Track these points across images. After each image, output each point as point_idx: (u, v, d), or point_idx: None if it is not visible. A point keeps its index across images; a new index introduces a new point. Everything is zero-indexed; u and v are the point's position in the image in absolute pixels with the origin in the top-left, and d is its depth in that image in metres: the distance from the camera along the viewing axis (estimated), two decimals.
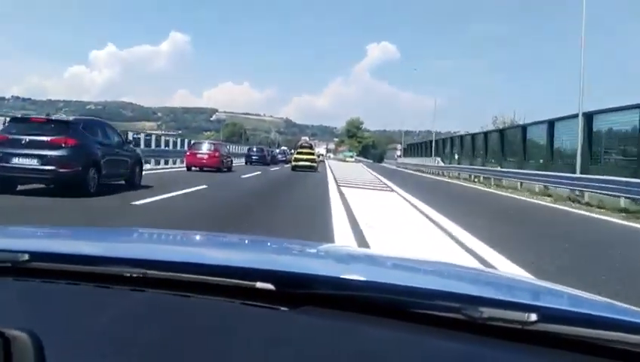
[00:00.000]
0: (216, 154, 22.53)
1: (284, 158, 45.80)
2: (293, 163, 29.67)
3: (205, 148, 22.92)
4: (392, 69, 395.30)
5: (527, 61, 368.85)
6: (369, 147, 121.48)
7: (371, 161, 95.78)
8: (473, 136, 34.07)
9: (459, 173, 30.01)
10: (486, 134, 31.00)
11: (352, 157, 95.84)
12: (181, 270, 0.85)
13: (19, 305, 0.83)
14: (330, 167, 37.55)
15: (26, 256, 0.88)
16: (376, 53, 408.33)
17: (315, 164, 29.34)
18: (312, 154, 30.74)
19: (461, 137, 37.46)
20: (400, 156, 66.96)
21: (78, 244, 1.29)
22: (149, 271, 0.84)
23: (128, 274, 0.84)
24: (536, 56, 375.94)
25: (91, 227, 1.79)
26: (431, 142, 48.29)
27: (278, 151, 53.43)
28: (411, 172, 41.74)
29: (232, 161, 25.39)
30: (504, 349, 0.70)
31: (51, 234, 1.49)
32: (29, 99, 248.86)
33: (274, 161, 40.76)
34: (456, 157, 35.35)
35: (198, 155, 22.31)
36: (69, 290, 0.85)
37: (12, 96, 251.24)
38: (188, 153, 23.29)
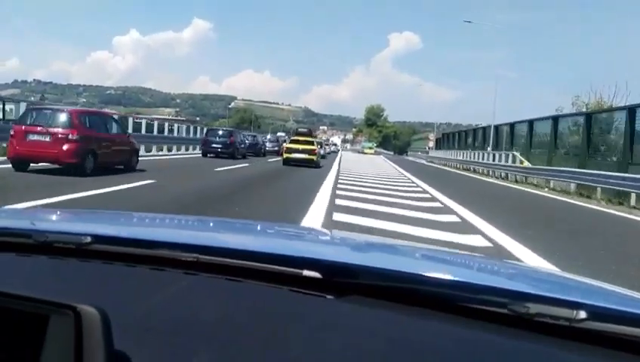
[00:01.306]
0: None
1: (276, 148, 34.06)
2: (285, 154, 21.76)
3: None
4: (414, 60, 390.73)
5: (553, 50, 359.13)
6: (390, 138, 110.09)
7: (392, 153, 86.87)
8: (556, 121, 22.23)
9: (548, 181, 18.66)
10: (589, 117, 19.20)
11: (371, 148, 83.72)
12: (232, 256, 0.87)
13: (82, 284, 0.87)
14: (340, 161, 30.88)
15: (89, 239, 0.92)
16: (399, 43, 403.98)
17: (314, 157, 21.33)
18: (311, 143, 22.09)
19: (531, 123, 24.81)
20: (431, 148, 54.86)
21: (136, 229, 1.37)
22: (201, 256, 0.87)
23: (182, 258, 0.88)
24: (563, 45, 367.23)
25: (148, 213, 2.03)
26: (475, 131, 38.38)
27: (269, 137, 39.07)
28: (457, 171, 30.19)
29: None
30: (551, 346, 0.68)
31: (112, 218, 1.56)
32: (51, 82, 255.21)
33: (255, 152, 29.27)
34: (516, 154, 24.34)
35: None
36: (128, 272, 0.89)
37: (34, 80, 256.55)
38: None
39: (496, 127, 31.54)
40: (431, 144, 58.70)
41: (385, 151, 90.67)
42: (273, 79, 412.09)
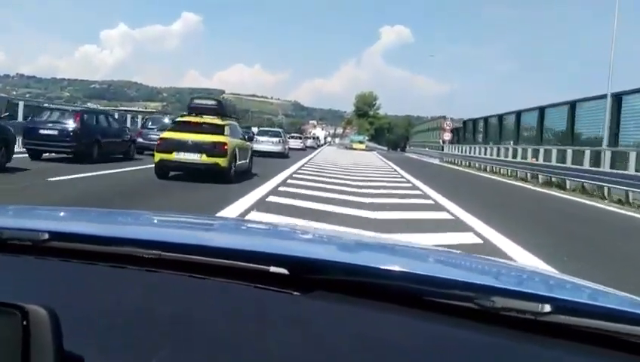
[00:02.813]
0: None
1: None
2: (158, 155, 10.91)
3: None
4: (405, 54, 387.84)
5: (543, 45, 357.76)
6: (383, 131, 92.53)
7: (385, 149, 69.79)
8: (618, 98, 15.71)
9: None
10: None
11: (361, 142, 64.04)
12: (195, 252, 0.85)
13: (38, 282, 0.86)
14: (299, 168, 17.30)
15: (46, 236, 0.89)
16: (390, 36, 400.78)
17: (220, 160, 10.69)
18: (217, 130, 11.22)
19: (572, 105, 18.69)
20: (447, 142, 38.40)
21: (95, 225, 1.29)
22: (163, 253, 0.84)
23: (144, 255, 0.85)
24: (553, 40, 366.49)
25: (109, 209, 1.77)
26: (502, 117, 26.77)
27: (149, 124, 20.22)
28: (511, 183, 18.21)
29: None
30: (516, 339, 0.69)
31: (70, 214, 1.50)
32: (34, 77, 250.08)
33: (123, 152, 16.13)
34: (538, 152, 18.95)
35: None
36: (87, 269, 0.87)
37: (17, 74, 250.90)
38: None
39: (500, 118, 26.51)
40: (446, 136, 38.87)
41: (378, 147, 72.99)
42: (264, 73, 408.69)
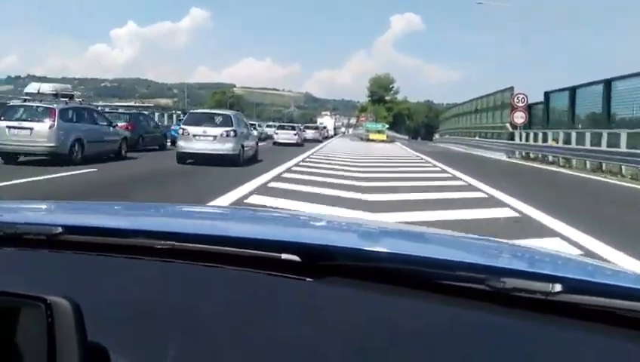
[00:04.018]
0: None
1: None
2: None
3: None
4: (416, 42, 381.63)
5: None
6: (403, 118, 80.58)
7: (406, 138, 60.67)
8: None
9: None
10: None
11: (381, 131, 48.12)
12: (207, 242, 0.86)
13: (55, 276, 0.86)
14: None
15: (60, 229, 0.90)
16: (401, 24, 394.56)
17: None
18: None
19: None
20: (519, 127, 24.97)
21: (108, 218, 1.30)
22: (177, 243, 0.85)
23: (157, 246, 0.85)
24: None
25: (121, 202, 1.80)
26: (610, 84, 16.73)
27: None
28: None
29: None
30: (528, 319, 0.70)
31: (83, 208, 1.55)
32: (44, 77, 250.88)
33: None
34: None
35: None
36: (102, 261, 0.87)
37: (28, 75, 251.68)
38: None
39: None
40: (519, 118, 24.85)
41: (398, 136, 62.10)
42: (275, 66, 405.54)
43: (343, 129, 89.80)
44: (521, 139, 24.16)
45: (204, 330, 0.70)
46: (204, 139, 13.31)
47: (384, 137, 46.77)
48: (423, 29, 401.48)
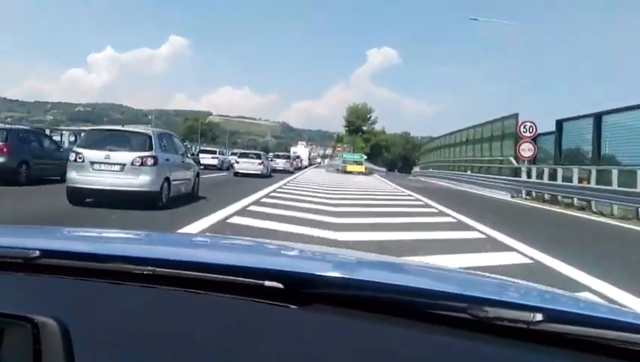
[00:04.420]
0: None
1: None
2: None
3: None
4: (392, 75, 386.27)
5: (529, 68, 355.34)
6: (381, 149, 78.32)
7: (384, 171, 57.92)
8: None
9: None
10: None
11: (359, 163, 45.91)
12: (189, 268, 0.85)
13: (32, 299, 0.85)
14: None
15: (37, 253, 0.90)
16: (377, 58, 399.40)
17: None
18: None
19: None
20: (527, 161, 21.17)
21: (86, 243, 1.31)
22: (157, 269, 0.84)
23: (137, 271, 0.84)
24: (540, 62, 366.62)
25: (100, 228, 1.58)
26: None
27: None
28: None
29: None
30: (510, 347, 0.71)
31: (61, 233, 1.52)
32: (17, 100, 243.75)
33: None
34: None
35: None
36: (80, 286, 0.86)
37: (0, 98, 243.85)
38: None
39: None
40: (526, 150, 20.91)
41: (376, 168, 59.91)
42: (253, 95, 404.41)
43: (318, 159, 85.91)
44: (529, 176, 20.20)
45: (188, 355, 0.70)
46: (106, 169, 9.18)
47: (362, 169, 44.01)
48: (399, 62, 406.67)
